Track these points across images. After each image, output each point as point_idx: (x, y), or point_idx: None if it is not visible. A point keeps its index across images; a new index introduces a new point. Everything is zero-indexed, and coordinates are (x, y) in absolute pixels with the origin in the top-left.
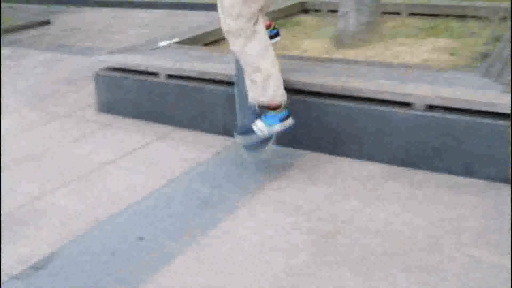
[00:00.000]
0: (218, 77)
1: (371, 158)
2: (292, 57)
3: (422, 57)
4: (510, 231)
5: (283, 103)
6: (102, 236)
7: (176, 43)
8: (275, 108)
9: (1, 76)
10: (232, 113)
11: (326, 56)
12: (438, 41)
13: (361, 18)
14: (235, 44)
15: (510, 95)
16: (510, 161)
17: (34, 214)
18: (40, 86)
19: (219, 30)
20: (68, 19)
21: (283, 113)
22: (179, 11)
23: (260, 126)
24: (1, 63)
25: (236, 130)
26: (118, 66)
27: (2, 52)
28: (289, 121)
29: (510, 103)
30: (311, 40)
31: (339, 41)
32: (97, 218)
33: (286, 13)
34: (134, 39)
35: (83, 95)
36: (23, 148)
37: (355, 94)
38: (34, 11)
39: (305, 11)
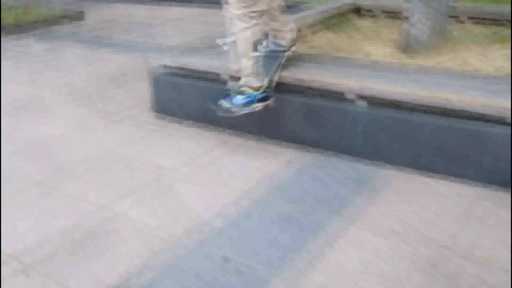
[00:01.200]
0: (293, 85)
1: (462, 176)
2: (364, 63)
3: (496, 65)
4: None
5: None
6: (183, 255)
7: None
8: (256, 89)
9: (43, 70)
10: (302, 121)
11: (396, 62)
12: (506, 47)
13: (430, 23)
14: (237, 26)
15: None
16: None
17: (105, 228)
18: (85, 82)
19: None
20: (102, 12)
21: (262, 94)
22: (210, 10)
23: (228, 106)
24: (39, 57)
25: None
26: (179, 66)
27: (39, 45)
28: (265, 103)
29: None
30: (373, 44)
31: (406, 47)
32: (173, 234)
33: (338, 13)
34: (174, 34)
35: (132, 94)
36: (80, 150)
37: (444, 107)
38: (63, 3)
39: (357, 11)
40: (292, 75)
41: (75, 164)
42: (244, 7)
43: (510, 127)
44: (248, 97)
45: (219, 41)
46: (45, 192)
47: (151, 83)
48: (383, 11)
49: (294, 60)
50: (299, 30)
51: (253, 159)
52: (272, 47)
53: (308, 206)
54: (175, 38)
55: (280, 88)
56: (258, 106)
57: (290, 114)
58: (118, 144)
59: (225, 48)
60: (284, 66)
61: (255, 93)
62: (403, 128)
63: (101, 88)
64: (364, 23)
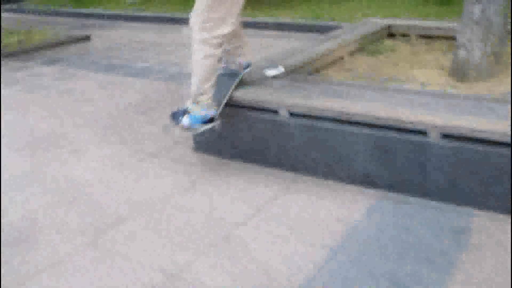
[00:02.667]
0: (359, 118)
1: None
2: (428, 92)
3: None
4: None
5: (214, 110)
6: None
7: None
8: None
9: (58, 99)
10: (376, 160)
11: (452, 89)
12: None
13: (487, 48)
14: (198, 52)
15: None
16: None
17: None
18: (107, 112)
19: (323, 57)
20: (107, 34)
21: (207, 117)
22: None
23: (185, 121)
24: (51, 84)
25: (172, 112)
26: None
27: (48, 71)
28: (210, 125)
29: None
30: (420, 70)
31: (460, 73)
32: None
33: (373, 38)
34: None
35: (161, 127)
36: (127, 199)
37: None
38: (64, 25)
39: (391, 35)
40: (354, 105)
41: (125, 216)
42: (208, 31)
43: None
44: (199, 117)
45: (268, 73)
46: (98, 255)
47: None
48: (419, 35)
49: (347, 87)
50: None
51: (327, 206)
52: (228, 70)
53: (411, 266)
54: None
55: (340, 119)
56: (208, 126)
57: (357, 150)
58: (169, 191)
59: (270, 75)
60: (342, 95)
61: (207, 113)
62: (494, 167)
63: (128, 120)
64: (400, 45)
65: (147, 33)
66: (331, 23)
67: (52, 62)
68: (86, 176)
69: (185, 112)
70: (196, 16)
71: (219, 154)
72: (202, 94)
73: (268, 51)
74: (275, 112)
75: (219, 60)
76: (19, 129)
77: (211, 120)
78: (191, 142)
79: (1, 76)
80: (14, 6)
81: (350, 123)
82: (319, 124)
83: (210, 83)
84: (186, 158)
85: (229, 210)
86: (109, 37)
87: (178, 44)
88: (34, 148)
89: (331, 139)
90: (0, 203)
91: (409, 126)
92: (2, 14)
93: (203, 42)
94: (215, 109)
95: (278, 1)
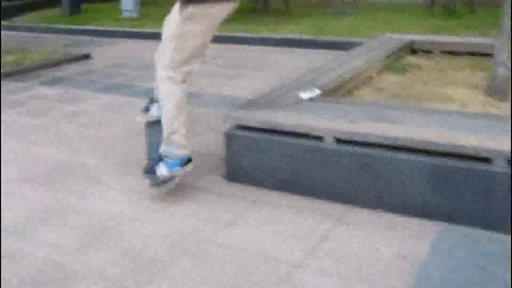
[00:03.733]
0: (414, 144)
1: None
2: (478, 115)
3: None
4: None
5: (189, 151)
6: None
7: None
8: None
9: (67, 123)
10: (434, 189)
11: (496, 110)
12: None
13: None
14: (166, 88)
15: None
16: None
17: None
18: (121, 139)
19: (354, 76)
20: (107, 52)
21: (185, 157)
22: (233, 45)
23: (162, 170)
24: (54, 106)
25: (144, 169)
26: (259, 126)
27: (50, 92)
28: (190, 166)
29: None
30: (453, 89)
31: (501, 92)
32: None
33: (396, 55)
34: (202, 79)
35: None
36: (160, 235)
37: None
38: (60, 43)
39: (413, 51)
40: (407, 130)
41: (165, 259)
42: (174, 69)
43: None
44: (177, 160)
45: (303, 95)
46: None
47: (225, 144)
48: (441, 51)
49: (392, 110)
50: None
51: (386, 241)
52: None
53: None
54: (205, 83)
55: (392, 145)
56: (188, 168)
57: (412, 179)
58: (209, 227)
59: (306, 97)
60: (388, 118)
61: (184, 152)
62: None
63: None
64: (425, 62)
65: (147, 51)
66: (343, 38)
67: (53, 82)
68: (112, 211)
69: (160, 159)
70: (162, 57)
71: (256, 183)
72: (173, 132)
73: (288, 69)
74: (319, 138)
75: (185, 95)
76: (29, 158)
77: (189, 160)
78: (222, 170)
79: (0, 98)
80: (6, 23)
81: (403, 149)
82: (369, 151)
83: (180, 120)
84: (220, 188)
85: (280, 248)
86: (108, 55)
87: None
88: (49, 179)
89: (382, 167)
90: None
91: (471, 152)
92: None
93: (168, 79)
94: (189, 148)
95: (278, 16)
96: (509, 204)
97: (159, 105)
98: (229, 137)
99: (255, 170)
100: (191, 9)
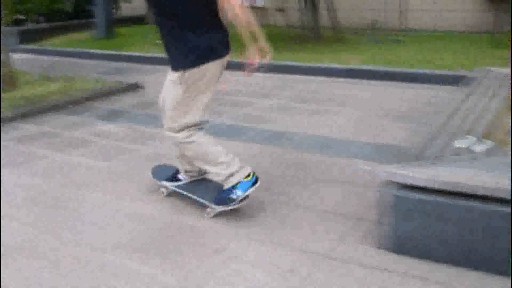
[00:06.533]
0: None
1: None
2: None
3: None
4: None
5: (249, 171)
6: None
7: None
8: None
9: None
10: None
11: None
12: None
13: None
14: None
15: None
16: None
17: None
18: None
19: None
20: (154, 80)
21: (254, 177)
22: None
23: (239, 194)
24: (129, 148)
25: (215, 202)
26: (429, 185)
27: (115, 129)
28: (258, 183)
29: None
30: None
31: None
32: None
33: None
34: (280, 115)
35: (321, 217)
36: None
37: None
38: (95, 69)
39: None
40: None
41: None
42: (187, 127)
43: None
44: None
45: (457, 143)
46: None
47: (393, 209)
48: None
49: None
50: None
51: None
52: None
53: None
54: (286, 120)
55: None
56: (257, 184)
57: None
58: None
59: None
60: None
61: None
62: None
63: (261, 205)
64: None
65: None
66: (420, 70)
67: (111, 116)
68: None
69: (233, 188)
70: (170, 123)
71: (421, 255)
72: (227, 168)
73: (374, 104)
74: (503, 201)
75: (201, 133)
76: (119, 217)
77: (256, 180)
78: (370, 240)
79: (60, 135)
80: (34, 46)
81: None
82: None
83: (223, 157)
84: (374, 260)
85: None
86: (159, 84)
87: (248, 93)
88: (159, 250)
89: None
90: None
91: None
92: (22, 55)
93: (184, 139)
94: (247, 168)
95: (329, 43)
96: None
97: (195, 163)
98: (396, 199)
99: (421, 239)
100: (189, 73)
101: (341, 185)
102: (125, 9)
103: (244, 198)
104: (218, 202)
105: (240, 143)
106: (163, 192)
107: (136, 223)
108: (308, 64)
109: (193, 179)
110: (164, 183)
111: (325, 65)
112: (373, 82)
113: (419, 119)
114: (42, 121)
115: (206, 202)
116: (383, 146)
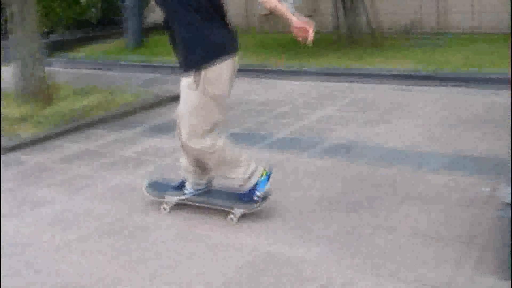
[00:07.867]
0: None
1: None
2: None
3: None
4: None
5: (262, 168)
6: None
7: None
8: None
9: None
10: None
11: None
12: None
13: None
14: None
15: None
16: None
17: None
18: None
19: None
20: None
21: (268, 173)
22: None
23: (259, 195)
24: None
25: (239, 207)
26: None
27: (163, 144)
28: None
29: None
30: None
31: None
32: None
33: None
34: (334, 125)
35: (407, 236)
36: None
37: None
38: (136, 80)
39: None
40: None
41: None
42: (208, 132)
43: None
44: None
45: None
46: None
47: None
48: None
49: None
50: None
51: None
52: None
53: None
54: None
55: None
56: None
57: None
58: None
59: None
60: None
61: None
62: None
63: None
64: None
65: (239, 88)
66: (487, 75)
67: (158, 131)
68: None
69: (254, 187)
70: (189, 133)
71: None
72: (246, 170)
73: (435, 112)
74: None
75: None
76: (217, 255)
77: (269, 175)
78: (486, 267)
79: (123, 154)
80: (63, 58)
81: None
82: None
83: (238, 159)
84: None
85: None
86: None
87: (300, 103)
88: None
89: None
90: None
91: None
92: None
93: (208, 148)
94: (259, 166)
95: (367, 48)
96: None
97: (213, 171)
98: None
99: None
100: (205, 71)
101: (432, 204)
102: (149, 18)
103: (264, 198)
104: (243, 206)
105: (308, 159)
106: (165, 209)
107: (224, 254)
108: (356, 70)
109: (199, 191)
110: (169, 197)
111: (375, 70)
112: (426, 88)
113: (495, 125)
114: (85, 138)
115: (227, 208)
116: (465, 157)
